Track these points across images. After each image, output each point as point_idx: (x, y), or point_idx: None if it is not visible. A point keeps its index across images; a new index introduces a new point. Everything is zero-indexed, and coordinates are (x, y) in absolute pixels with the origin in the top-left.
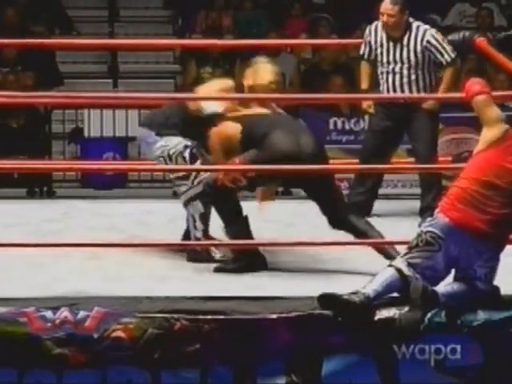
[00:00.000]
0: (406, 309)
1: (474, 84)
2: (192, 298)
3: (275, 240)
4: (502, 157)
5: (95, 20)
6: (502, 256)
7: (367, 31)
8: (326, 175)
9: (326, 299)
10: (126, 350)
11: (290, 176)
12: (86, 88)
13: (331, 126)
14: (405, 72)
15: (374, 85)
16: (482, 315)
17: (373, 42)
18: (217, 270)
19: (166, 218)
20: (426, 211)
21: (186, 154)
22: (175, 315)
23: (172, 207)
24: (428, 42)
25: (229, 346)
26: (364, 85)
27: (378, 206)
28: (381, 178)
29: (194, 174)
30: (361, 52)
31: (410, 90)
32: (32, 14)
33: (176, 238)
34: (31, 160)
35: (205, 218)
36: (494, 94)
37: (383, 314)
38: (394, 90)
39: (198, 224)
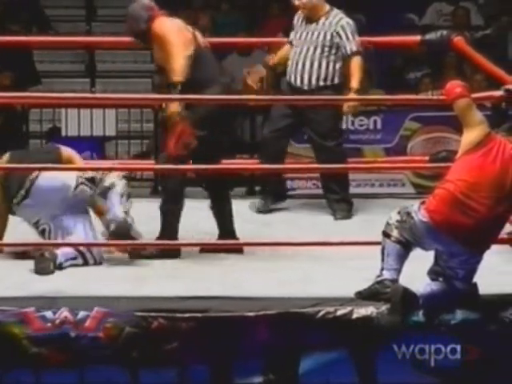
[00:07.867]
0: (385, 310)
1: (455, 87)
2: (171, 298)
3: (253, 240)
4: (485, 159)
5: (73, 19)
6: (485, 255)
7: (296, 17)
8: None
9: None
10: (104, 349)
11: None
12: (63, 87)
13: None
14: (310, 55)
15: None
16: (460, 315)
17: (294, 24)
18: (133, 257)
19: (145, 216)
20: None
21: None
22: (152, 313)
23: (150, 206)
24: (341, 26)
25: (206, 344)
26: (274, 60)
27: (358, 205)
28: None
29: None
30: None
31: (310, 77)
32: (10, 13)
33: (153, 237)
34: None
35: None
36: (474, 95)
37: (361, 312)
38: (295, 74)
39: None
